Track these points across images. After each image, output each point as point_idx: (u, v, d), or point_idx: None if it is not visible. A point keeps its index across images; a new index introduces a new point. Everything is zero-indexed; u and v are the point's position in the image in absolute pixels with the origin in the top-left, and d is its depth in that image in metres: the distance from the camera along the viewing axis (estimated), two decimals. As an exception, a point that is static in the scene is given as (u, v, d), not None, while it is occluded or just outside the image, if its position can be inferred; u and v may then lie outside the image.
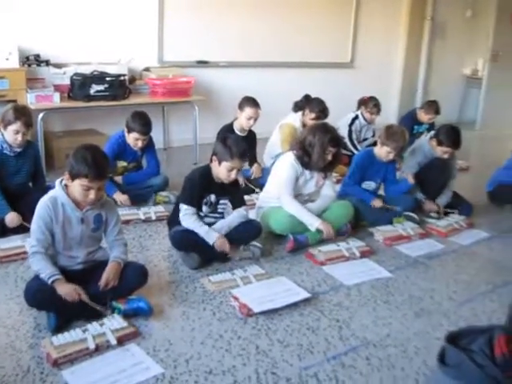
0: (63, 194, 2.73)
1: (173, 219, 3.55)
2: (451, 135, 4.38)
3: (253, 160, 4.94)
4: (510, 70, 8.74)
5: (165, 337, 2.68)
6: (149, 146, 4.58)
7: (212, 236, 3.34)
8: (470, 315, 3.04)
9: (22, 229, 3.57)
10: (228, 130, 4.69)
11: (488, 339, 1.47)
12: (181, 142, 6.39)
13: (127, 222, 4.01)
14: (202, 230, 3.36)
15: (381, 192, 4.49)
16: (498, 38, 8.47)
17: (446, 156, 4.39)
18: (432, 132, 4.75)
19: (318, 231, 3.71)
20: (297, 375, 2.44)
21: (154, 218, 4.14)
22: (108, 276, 2.78)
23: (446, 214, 4.49)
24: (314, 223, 3.70)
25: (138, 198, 4.40)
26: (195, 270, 3.36)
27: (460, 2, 8.86)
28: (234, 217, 3.53)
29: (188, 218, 3.37)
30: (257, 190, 4.59)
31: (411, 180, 4.28)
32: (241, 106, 4.75)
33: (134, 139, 4.36)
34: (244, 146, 3.47)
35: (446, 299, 3.22)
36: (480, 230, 4.35)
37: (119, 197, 4.22)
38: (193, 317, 2.87)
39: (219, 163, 3.37)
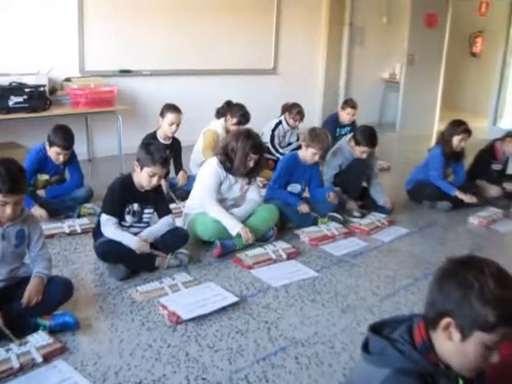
0: None
1: (97, 231, 3.49)
2: (367, 135, 4.54)
3: (178, 168, 4.94)
4: (426, 73, 9.15)
5: (93, 350, 2.64)
6: (71, 159, 4.49)
7: (132, 240, 3.32)
8: (393, 309, 3.16)
9: None
10: (151, 138, 4.67)
11: (408, 327, 1.54)
12: (105, 153, 6.29)
13: (51, 236, 3.91)
14: (121, 237, 3.32)
15: (306, 194, 4.59)
16: (412, 42, 8.82)
17: (364, 156, 4.55)
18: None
19: (241, 236, 3.75)
20: (227, 378, 2.47)
21: (79, 230, 4.07)
22: (30, 292, 2.71)
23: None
24: (234, 228, 3.73)
25: (63, 211, 4.31)
26: (122, 281, 3.32)
27: (376, 8, 9.18)
28: (159, 225, 3.53)
29: (108, 227, 3.34)
30: (177, 201, 4.58)
31: (332, 199, 4.39)
32: (162, 113, 4.74)
33: (55, 153, 4.26)
34: (166, 152, 3.47)
35: (369, 295, 3.33)
36: (400, 227, 4.52)
37: (37, 211, 4.08)
38: (121, 328, 2.84)
39: (141, 169, 3.35)
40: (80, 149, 5.21)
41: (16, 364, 2.44)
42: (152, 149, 3.37)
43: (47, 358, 2.52)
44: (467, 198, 4.96)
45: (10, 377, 2.39)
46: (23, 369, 2.44)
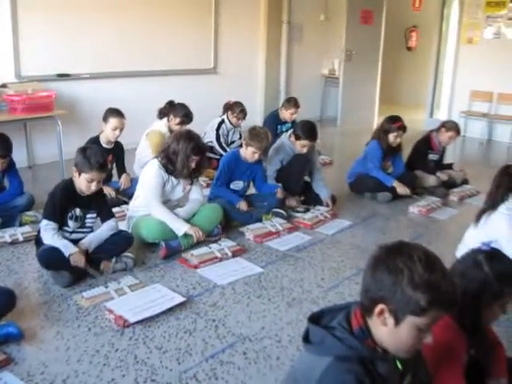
0: None
1: (39, 238, 3.44)
2: (306, 129, 4.63)
3: (121, 171, 4.90)
4: (364, 68, 9.37)
5: (39, 360, 2.61)
6: (10, 167, 4.40)
7: (69, 249, 3.27)
8: (338, 299, 3.24)
9: None
10: (94, 142, 4.61)
11: (346, 315, 1.59)
12: (46, 159, 6.15)
13: (-8, 246, 3.83)
14: (60, 243, 3.28)
15: (251, 190, 4.65)
16: (350, 38, 9.01)
17: (304, 150, 4.62)
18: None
19: (187, 236, 3.76)
20: (177, 379, 2.49)
21: (21, 239, 3.98)
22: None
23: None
24: (181, 228, 3.75)
25: (3, 221, 4.21)
26: (67, 287, 3.28)
27: (313, 6, 9.32)
28: (102, 230, 3.50)
29: (47, 232, 3.29)
30: (127, 200, 4.55)
31: (279, 195, 4.49)
32: (105, 118, 4.69)
33: (-8, 164, 4.17)
34: (104, 156, 3.45)
35: (315, 287, 3.41)
36: (343, 219, 4.63)
37: None
38: (67, 336, 2.82)
39: (79, 175, 3.32)
40: (19, 156, 5.08)
41: (-42, 378, 2.40)
42: (89, 154, 3.34)
43: (-8, 373, 2.49)
44: (402, 190, 5.12)
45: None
46: (-35, 384, 2.41)
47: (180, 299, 3.12)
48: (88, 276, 3.41)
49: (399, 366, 1.57)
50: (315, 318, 1.65)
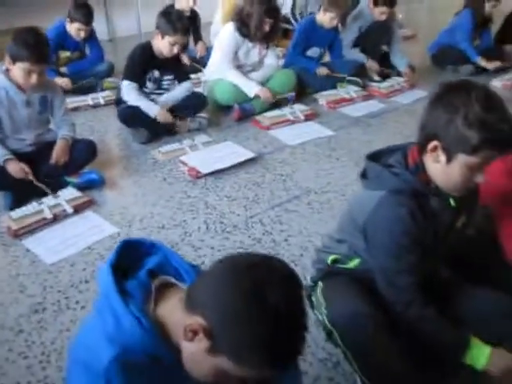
0: (4, 78, 2.72)
1: (119, 98, 3.59)
2: None
3: (197, 39, 4.93)
4: None
5: (119, 203, 2.83)
6: (91, 35, 4.53)
7: (153, 109, 3.41)
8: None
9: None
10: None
11: (403, 153, 1.61)
12: (126, 32, 6.26)
13: (76, 108, 4.03)
14: (143, 103, 3.41)
15: (326, 59, 4.57)
16: None
17: (383, 17, 4.43)
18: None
19: (258, 98, 3.80)
20: (243, 222, 2.64)
21: (102, 102, 4.18)
22: (57, 153, 2.86)
23: (387, 75, 4.62)
24: (252, 89, 3.79)
25: (85, 86, 4.40)
26: (145, 144, 3.47)
27: None
28: (178, 90, 3.60)
29: (130, 92, 3.43)
30: (203, 69, 4.60)
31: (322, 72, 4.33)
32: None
33: (76, 29, 4.29)
34: (186, 21, 3.48)
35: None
36: (420, 90, 4.49)
37: (60, 80, 4.17)
38: (144, 184, 3.01)
39: (162, 37, 3.38)
40: (100, 28, 5.18)
41: (49, 215, 2.65)
42: (173, 18, 3.38)
43: (77, 210, 2.73)
44: (490, 65, 4.86)
45: (44, 226, 2.61)
46: (56, 219, 2.65)
47: (250, 155, 3.23)
48: (165, 130, 3.56)
49: (452, 203, 1.58)
50: (374, 157, 1.67)
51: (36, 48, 2.59)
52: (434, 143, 1.46)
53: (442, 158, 1.46)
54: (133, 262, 1.16)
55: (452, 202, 1.58)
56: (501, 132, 1.39)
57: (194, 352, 1.00)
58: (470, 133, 1.38)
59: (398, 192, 1.52)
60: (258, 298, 0.93)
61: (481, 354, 1.55)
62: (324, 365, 1.84)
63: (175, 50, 3.42)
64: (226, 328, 0.95)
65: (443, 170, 1.48)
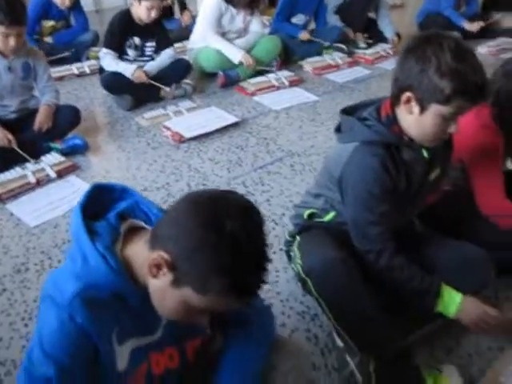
0: None
1: (103, 67, 3.57)
2: None
3: (182, 8, 4.89)
4: None
5: (102, 167, 2.85)
6: (76, 4, 4.48)
7: (129, 69, 3.40)
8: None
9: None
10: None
11: (377, 106, 1.62)
12: (112, 4, 6.20)
13: (61, 78, 4.02)
14: (119, 66, 3.41)
15: (312, 26, 4.55)
16: None
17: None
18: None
19: (243, 65, 3.80)
20: (225, 184, 2.65)
21: (87, 71, 4.17)
22: (40, 119, 2.86)
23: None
24: (235, 55, 3.78)
25: (71, 56, 4.37)
26: (129, 110, 3.47)
27: None
28: (161, 57, 3.58)
29: (107, 58, 3.42)
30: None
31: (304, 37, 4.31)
32: None
33: (60, -4, 4.25)
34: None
35: (368, 113, 3.41)
36: (406, 56, 4.47)
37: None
38: (128, 149, 3.02)
39: (139, 2, 3.35)
40: (86, 0, 5.14)
41: (32, 179, 2.66)
42: None
43: (61, 174, 2.74)
44: (473, 27, 4.86)
45: (28, 191, 2.61)
46: (39, 183, 2.66)
47: (234, 119, 3.24)
48: (150, 97, 3.56)
49: (425, 154, 1.60)
50: (348, 111, 1.69)
51: (10, 10, 2.57)
52: (408, 94, 1.47)
53: (416, 108, 1.47)
54: (104, 206, 1.17)
55: (425, 153, 1.59)
56: (473, 82, 1.40)
57: (160, 287, 1.02)
58: (443, 82, 1.39)
59: (371, 143, 1.54)
60: (216, 226, 0.95)
61: (452, 302, 1.59)
62: (302, 317, 1.87)
63: (153, 14, 3.39)
64: (187, 258, 0.96)
65: (417, 120, 1.50)
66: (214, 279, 0.95)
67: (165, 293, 1.02)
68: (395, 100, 1.54)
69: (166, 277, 0.99)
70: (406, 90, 1.47)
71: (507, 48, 4.74)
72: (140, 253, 1.06)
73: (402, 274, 1.59)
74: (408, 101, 1.48)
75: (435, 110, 1.44)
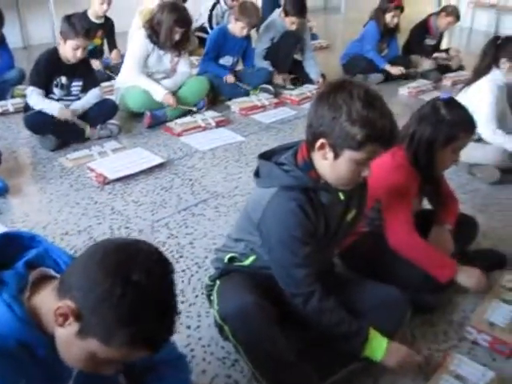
0: None
1: (28, 105, 3.52)
2: (295, 4, 4.52)
3: (112, 47, 4.90)
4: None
5: (22, 211, 2.78)
6: (1, 41, 4.41)
7: (54, 107, 3.37)
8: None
9: None
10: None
11: (294, 151, 1.67)
12: (41, 40, 6.12)
13: (-16, 116, 3.93)
14: (44, 104, 3.37)
15: (241, 67, 4.65)
16: None
17: (293, 27, 4.55)
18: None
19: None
20: (149, 227, 2.65)
21: (11, 110, 4.08)
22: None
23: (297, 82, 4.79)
24: (159, 94, 3.80)
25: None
26: (53, 151, 3.41)
27: None
28: (87, 97, 3.56)
29: (33, 96, 3.38)
30: (115, 76, 4.57)
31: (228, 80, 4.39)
32: None
33: (-16, 34, 4.18)
34: (89, 23, 3.46)
35: (293, 155, 3.49)
36: (331, 97, 4.62)
37: None
38: (50, 191, 2.97)
39: (65, 42, 3.35)
40: (13, 36, 5.08)
41: None
42: (73, 20, 3.34)
43: (-23, 221, 2.65)
44: (395, 71, 5.11)
45: None
46: (-45, 228, 2.57)
47: (159, 160, 3.24)
48: (75, 137, 3.53)
49: (342, 197, 1.66)
50: (266, 156, 1.73)
51: None
52: (321, 141, 1.53)
53: (330, 154, 1.53)
54: (13, 254, 1.16)
55: (342, 196, 1.66)
56: (383, 128, 1.47)
57: (66, 337, 1.02)
58: (354, 129, 1.46)
59: (289, 188, 1.59)
60: (122, 276, 0.96)
61: (379, 347, 1.64)
62: (223, 363, 1.87)
63: (78, 54, 3.38)
64: (93, 308, 0.97)
65: (331, 166, 1.56)
66: (119, 331, 0.96)
67: (71, 342, 1.02)
68: (310, 146, 1.60)
69: (71, 326, 0.99)
70: (320, 137, 1.53)
71: (425, 90, 4.99)
72: (47, 301, 1.05)
73: (331, 317, 1.63)
74: (322, 147, 1.54)
75: (348, 155, 1.51)
